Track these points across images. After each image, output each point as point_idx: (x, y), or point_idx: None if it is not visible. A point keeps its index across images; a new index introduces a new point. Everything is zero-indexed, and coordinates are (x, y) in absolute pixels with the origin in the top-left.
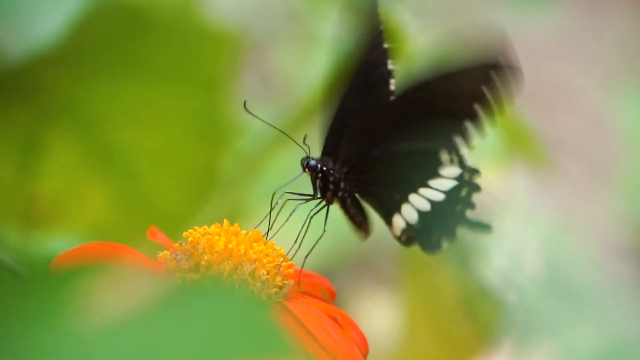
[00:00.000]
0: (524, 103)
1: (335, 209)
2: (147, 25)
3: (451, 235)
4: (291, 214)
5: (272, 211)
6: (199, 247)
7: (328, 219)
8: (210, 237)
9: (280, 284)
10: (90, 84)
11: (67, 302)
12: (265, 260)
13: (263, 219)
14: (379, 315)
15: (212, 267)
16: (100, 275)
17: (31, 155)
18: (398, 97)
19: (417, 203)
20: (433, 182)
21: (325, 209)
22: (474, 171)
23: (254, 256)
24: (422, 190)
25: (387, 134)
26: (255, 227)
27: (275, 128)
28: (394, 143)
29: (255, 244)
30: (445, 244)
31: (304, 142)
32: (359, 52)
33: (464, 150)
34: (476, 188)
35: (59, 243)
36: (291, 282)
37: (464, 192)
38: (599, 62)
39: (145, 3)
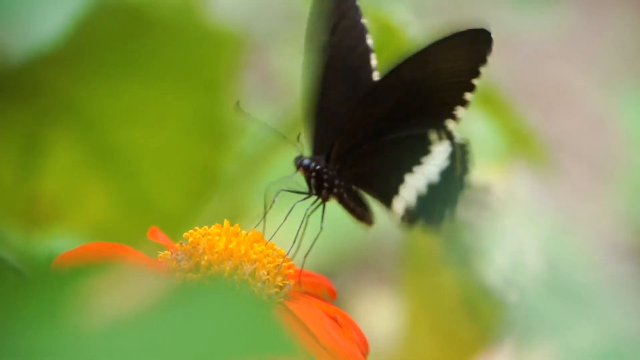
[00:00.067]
0: (524, 103)
1: (335, 206)
2: (148, 25)
3: (453, 204)
4: (289, 212)
5: (267, 208)
6: (199, 248)
7: (325, 217)
8: (210, 237)
9: (280, 284)
10: (90, 84)
11: (69, 302)
12: (265, 261)
13: (261, 219)
14: (379, 315)
15: (212, 267)
16: (101, 274)
17: (32, 155)
18: (381, 84)
19: (414, 182)
20: (425, 159)
21: (322, 207)
22: (464, 145)
23: (254, 256)
24: (416, 168)
25: (375, 126)
26: (255, 227)
27: (268, 127)
28: (383, 134)
29: (255, 244)
30: (448, 215)
31: (298, 141)
32: (331, 36)
33: (451, 126)
34: (468, 154)
35: (60, 242)
36: (291, 282)
37: (458, 166)
38: (599, 62)
39: (146, 3)
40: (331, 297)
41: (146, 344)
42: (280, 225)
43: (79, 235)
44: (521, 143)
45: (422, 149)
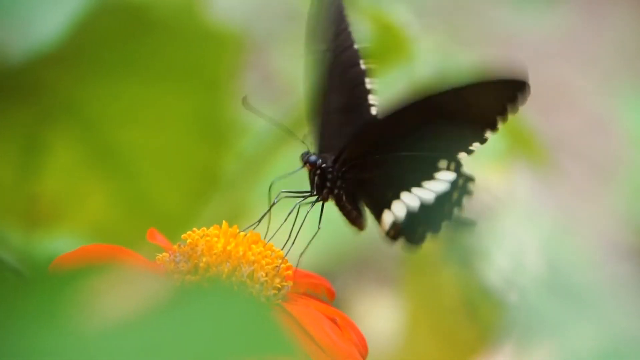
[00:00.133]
0: (524, 103)
1: (335, 207)
2: (149, 25)
3: (436, 229)
4: (290, 213)
5: (267, 210)
6: (197, 249)
7: (323, 216)
8: (208, 238)
9: (278, 285)
10: (91, 84)
11: (68, 303)
12: (263, 262)
13: (257, 221)
14: (379, 316)
15: (210, 269)
16: (101, 276)
17: (32, 155)
18: (407, 105)
19: (408, 201)
20: (427, 183)
21: (320, 206)
22: (469, 178)
23: (252, 258)
24: (415, 190)
25: (392, 140)
26: (253, 226)
27: (276, 123)
28: (397, 149)
29: (253, 246)
30: (428, 238)
31: (304, 139)
32: (329, 52)
33: (462, 158)
34: (468, 192)
35: (60, 243)
36: (290, 283)
37: (455, 195)
38: (599, 63)
39: (147, 3)
40: (330, 298)
41: (145, 346)
42: (279, 227)
43: (78, 235)
44: (521, 143)
45: (427, 173)
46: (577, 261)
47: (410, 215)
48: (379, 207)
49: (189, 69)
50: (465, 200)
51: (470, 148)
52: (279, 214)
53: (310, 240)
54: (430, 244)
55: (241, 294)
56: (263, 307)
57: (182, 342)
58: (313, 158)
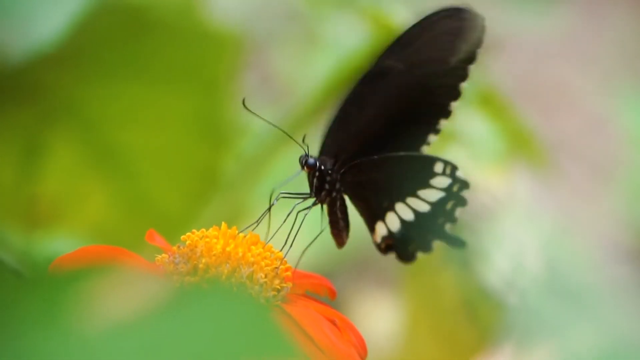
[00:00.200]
0: (524, 104)
1: None
2: (148, 25)
3: (427, 248)
4: (288, 215)
5: (266, 211)
6: (196, 250)
7: (324, 218)
8: (208, 240)
9: (278, 286)
10: (91, 85)
11: (68, 305)
12: (263, 263)
13: (255, 222)
14: (379, 317)
15: (210, 270)
16: (101, 277)
17: (32, 156)
18: (385, 93)
19: (403, 212)
20: (422, 192)
21: (319, 208)
22: (464, 183)
23: (252, 259)
24: (410, 200)
25: (386, 138)
26: (252, 227)
27: (275, 126)
28: (389, 145)
29: (253, 247)
30: (418, 256)
31: (303, 142)
32: (403, 71)
33: (458, 162)
34: (462, 202)
35: (60, 244)
36: (289, 285)
37: (449, 205)
38: (599, 63)
39: (147, 3)
40: (331, 297)
41: (144, 347)
42: (278, 228)
43: (78, 236)
44: (521, 144)
45: (423, 180)
46: (577, 262)
47: (403, 230)
48: (374, 217)
49: (189, 70)
50: (458, 214)
51: (449, 108)
52: (278, 214)
53: (311, 242)
54: None
55: (240, 295)
56: (262, 309)
57: (182, 343)
58: (311, 161)
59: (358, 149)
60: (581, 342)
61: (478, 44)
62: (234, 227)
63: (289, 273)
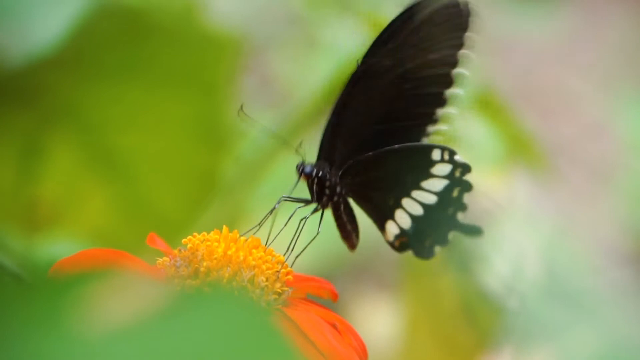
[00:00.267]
0: (523, 108)
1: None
2: (148, 29)
3: (444, 240)
4: (290, 218)
5: (269, 216)
6: (198, 254)
7: (322, 222)
8: (209, 243)
9: (279, 290)
10: (91, 88)
11: (69, 308)
12: (264, 267)
13: (260, 223)
14: (379, 320)
15: (211, 273)
16: (101, 281)
17: (32, 159)
18: (375, 90)
19: (410, 208)
20: (425, 184)
21: (320, 212)
22: (465, 167)
23: (253, 263)
24: (415, 194)
25: (378, 133)
26: (254, 230)
27: (271, 133)
28: (386, 142)
29: (254, 251)
30: (437, 250)
31: (298, 149)
32: (390, 67)
33: (455, 147)
34: (467, 186)
35: (60, 247)
36: (290, 288)
37: (455, 192)
38: (599, 67)
39: (147, 7)
40: (333, 299)
41: (145, 352)
42: (279, 232)
43: (78, 239)
44: (520, 148)
45: (423, 170)
46: (576, 266)
47: (415, 226)
48: (382, 217)
49: (188, 73)
50: (466, 199)
51: (443, 97)
52: (279, 218)
53: (307, 244)
54: None
55: (242, 299)
56: (263, 312)
57: (183, 347)
58: (308, 169)
59: (356, 150)
60: (580, 345)
61: (464, 28)
62: (235, 231)
63: (290, 277)
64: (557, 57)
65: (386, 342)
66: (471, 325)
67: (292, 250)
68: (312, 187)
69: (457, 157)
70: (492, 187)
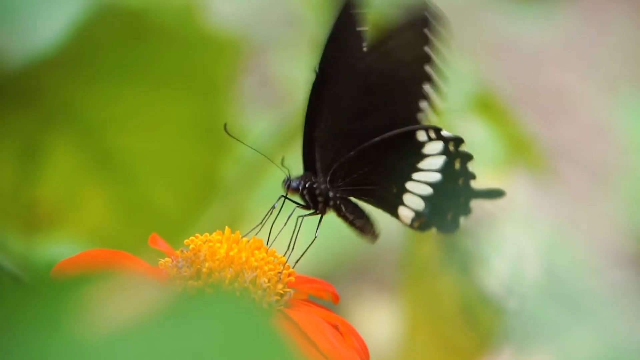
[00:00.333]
0: (523, 109)
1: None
2: (148, 30)
3: (465, 209)
4: (288, 218)
5: (269, 219)
6: (200, 255)
7: (322, 224)
8: (211, 244)
9: (281, 291)
10: (91, 89)
11: (70, 309)
12: (266, 268)
13: (262, 223)
14: (378, 321)
15: (213, 274)
16: (102, 282)
17: (32, 160)
18: (347, 90)
19: (417, 189)
20: (423, 164)
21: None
22: (456, 139)
23: (255, 264)
24: (416, 176)
25: (354, 132)
26: (255, 231)
27: (255, 149)
28: (365, 138)
29: (256, 252)
30: (462, 221)
31: (282, 164)
32: (344, 60)
33: (437, 123)
34: (467, 156)
35: (60, 248)
36: (292, 289)
37: (457, 165)
38: (599, 69)
39: (146, 8)
40: (334, 301)
41: (147, 353)
42: (279, 232)
43: (78, 240)
44: (520, 150)
45: (414, 154)
46: (576, 268)
47: (430, 202)
48: (391, 205)
49: (188, 74)
50: (471, 167)
51: (423, 90)
52: (280, 219)
53: (306, 249)
54: (429, 249)
55: (243, 300)
56: (265, 314)
57: (185, 348)
58: (294, 184)
59: (338, 153)
60: (580, 346)
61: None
62: (237, 232)
63: (292, 278)
64: (556, 59)
65: (386, 344)
66: (471, 326)
67: (293, 249)
68: (304, 199)
69: (444, 133)
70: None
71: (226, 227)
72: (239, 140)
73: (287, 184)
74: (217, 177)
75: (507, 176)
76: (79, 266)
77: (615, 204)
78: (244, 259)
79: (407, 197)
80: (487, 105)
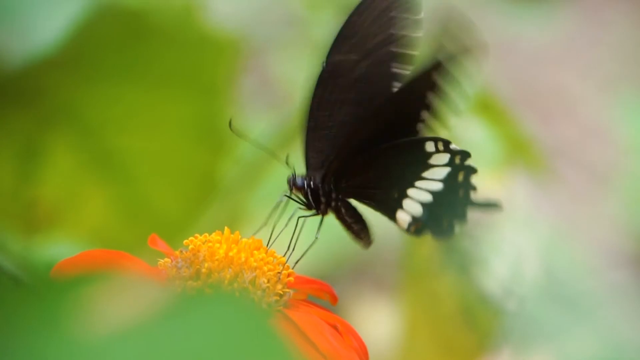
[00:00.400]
0: (523, 110)
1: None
2: (148, 30)
3: (462, 217)
4: (289, 219)
5: (272, 220)
6: (199, 255)
7: (323, 225)
8: (211, 244)
9: (280, 292)
10: (90, 89)
11: (69, 310)
12: (265, 268)
13: (266, 221)
14: (378, 322)
15: (212, 274)
16: (102, 283)
17: (32, 160)
18: (370, 111)
19: (418, 196)
20: (427, 174)
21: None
22: (463, 153)
23: (254, 264)
24: (419, 184)
25: (364, 138)
26: (258, 231)
27: (260, 147)
28: (374, 144)
29: (256, 252)
30: (457, 228)
31: (287, 161)
32: (359, 63)
33: (448, 136)
34: (471, 170)
35: (59, 248)
36: (292, 290)
37: (460, 177)
38: (598, 69)
39: (146, 8)
40: (333, 302)
41: (146, 353)
42: (279, 233)
43: (78, 240)
44: (520, 150)
45: (420, 163)
46: (575, 268)
47: (428, 209)
48: (390, 209)
49: (188, 74)
50: (473, 180)
51: (427, 102)
52: (281, 219)
53: (307, 249)
54: (429, 250)
55: (243, 301)
56: (264, 314)
57: (184, 349)
58: (299, 182)
59: (345, 151)
60: (579, 347)
61: (416, 12)
62: (237, 232)
63: (291, 278)
64: (556, 59)
65: (385, 344)
66: (470, 327)
67: (293, 249)
68: (307, 198)
69: (452, 146)
70: (491, 190)
71: (225, 228)
72: (243, 137)
73: (292, 182)
74: (216, 177)
75: (507, 176)
76: (78, 266)
77: (615, 204)
78: (243, 259)
79: (406, 202)
80: (486, 106)
